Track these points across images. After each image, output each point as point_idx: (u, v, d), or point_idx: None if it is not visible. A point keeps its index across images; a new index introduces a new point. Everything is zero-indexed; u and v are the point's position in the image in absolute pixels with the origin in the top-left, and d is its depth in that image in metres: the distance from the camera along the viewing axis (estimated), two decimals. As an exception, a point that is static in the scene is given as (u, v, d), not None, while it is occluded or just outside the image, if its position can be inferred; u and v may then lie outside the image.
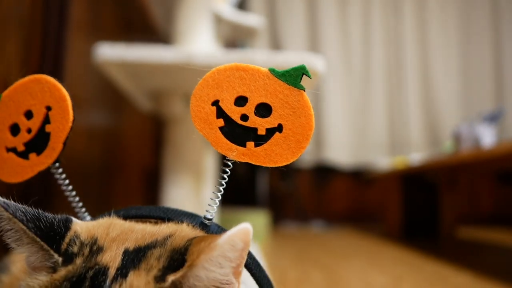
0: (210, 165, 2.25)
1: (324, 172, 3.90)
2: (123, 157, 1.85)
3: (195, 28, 1.39)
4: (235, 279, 0.31)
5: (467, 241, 2.83)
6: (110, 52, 1.04)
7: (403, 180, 2.97)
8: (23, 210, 0.29)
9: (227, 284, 0.30)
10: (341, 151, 3.83)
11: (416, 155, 3.10)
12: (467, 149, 2.07)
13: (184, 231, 0.33)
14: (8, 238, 0.30)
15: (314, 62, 1.02)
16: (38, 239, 0.29)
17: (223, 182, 0.35)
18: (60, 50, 1.32)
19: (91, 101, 1.55)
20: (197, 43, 1.37)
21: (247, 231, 0.28)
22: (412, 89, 3.88)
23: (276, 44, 3.78)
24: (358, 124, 3.88)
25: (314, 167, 3.87)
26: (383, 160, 3.37)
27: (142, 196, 2.12)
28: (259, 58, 1.06)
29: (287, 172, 3.58)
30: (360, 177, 3.86)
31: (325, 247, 2.49)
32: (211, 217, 0.36)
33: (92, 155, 1.60)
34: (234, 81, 0.34)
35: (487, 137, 2.08)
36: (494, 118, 2.16)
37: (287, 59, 1.05)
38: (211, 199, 0.35)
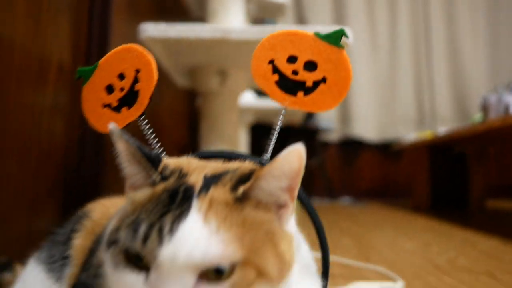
0: (243, 138, 2.34)
1: (351, 148, 3.94)
2: (162, 132, 1.97)
3: (227, 6, 1.45)
4: (291, 202, 0.39)
5: (496, 211, 2.84)
6: (153, 30, 1.13)
7: (430, 152, 2.97)
8: (133, 139, 0.39)
9: (284, 203, 0.39)
10: (368, 127, 3.85)
11: (444, 129, 3.09)
12: (496, 117, 2.07)
13: (248, 165, 0.41)
14: (122, 158, 0.39)
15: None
16: (144, 160, 0.38)
17: (278, 127, 0.43)
18: (104, 32, 1.42)
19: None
20: (229, 21, 1.44)
21: (301, 154, 0.36)
22: (439, 61, 3.82)
23: (301, 19, 3.79)
24: (385, 99, 3.87)
25: (342, 143, 3.92)
26: (411, 135, 3.38)
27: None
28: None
29: (315, 148, 3.63)
30: (387, 152, 3.88)
31: (353, 219, 2.56)
32: (267, 158, 0.44)
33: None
34: (286, 44, 0.41)
35: (517, 105, 2.08)
36: (524, 87, 2.15)
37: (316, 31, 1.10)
38: (268, 141, 0.43)
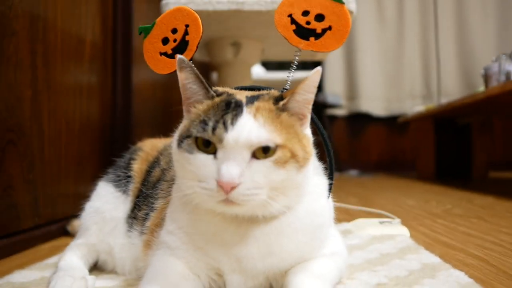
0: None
1: (358, 122, 4.05)
2: (178, 103, 2.11)
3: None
4: (308, 113, 0.54)
5: (497, 180, 2.94)
6: (174, 4, 1.25)
7: (436, 124, 3.03)
8: (194, 67, 0.53)
9: (304, 114, 0.54)
10: (375, 102, 3.93)
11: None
12: (496, 85, 2.14)
13: (274, 92, 0.56)
14: (188, 80, 0.53)
15: (346, 2, 1.20)
16: (203, 81, 0.53)
17: (294, 66, 0.57)
18: (128, 9, 1.55)
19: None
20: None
21: (319, 74, 0.50)
22: (447, 36, 3.85)
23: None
24: (392, 74, 3.94)
25: (349, 117, 4.03)
26: (417, 107, 3.46)
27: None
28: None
29: (322, 122, 3.74)
30: (394, 126, 3.98)
31: (360, 185, 2.71)
32: (287, 88, 0.58)
33: (155, 101, 1.86)
34: (301, 2, 0.55)
35: (517, 72, 2.14)
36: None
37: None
38: (287, 76, 0.57)
